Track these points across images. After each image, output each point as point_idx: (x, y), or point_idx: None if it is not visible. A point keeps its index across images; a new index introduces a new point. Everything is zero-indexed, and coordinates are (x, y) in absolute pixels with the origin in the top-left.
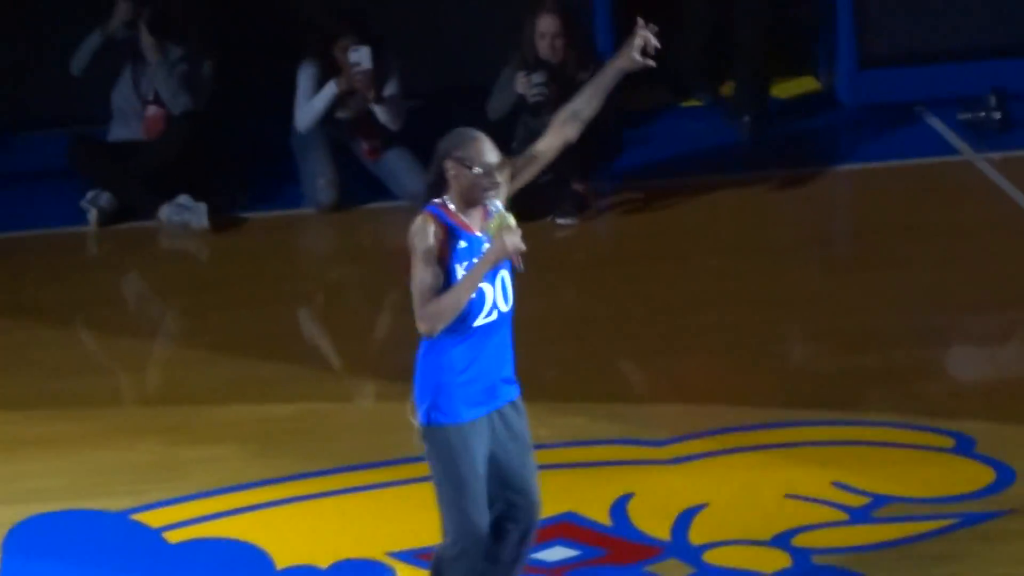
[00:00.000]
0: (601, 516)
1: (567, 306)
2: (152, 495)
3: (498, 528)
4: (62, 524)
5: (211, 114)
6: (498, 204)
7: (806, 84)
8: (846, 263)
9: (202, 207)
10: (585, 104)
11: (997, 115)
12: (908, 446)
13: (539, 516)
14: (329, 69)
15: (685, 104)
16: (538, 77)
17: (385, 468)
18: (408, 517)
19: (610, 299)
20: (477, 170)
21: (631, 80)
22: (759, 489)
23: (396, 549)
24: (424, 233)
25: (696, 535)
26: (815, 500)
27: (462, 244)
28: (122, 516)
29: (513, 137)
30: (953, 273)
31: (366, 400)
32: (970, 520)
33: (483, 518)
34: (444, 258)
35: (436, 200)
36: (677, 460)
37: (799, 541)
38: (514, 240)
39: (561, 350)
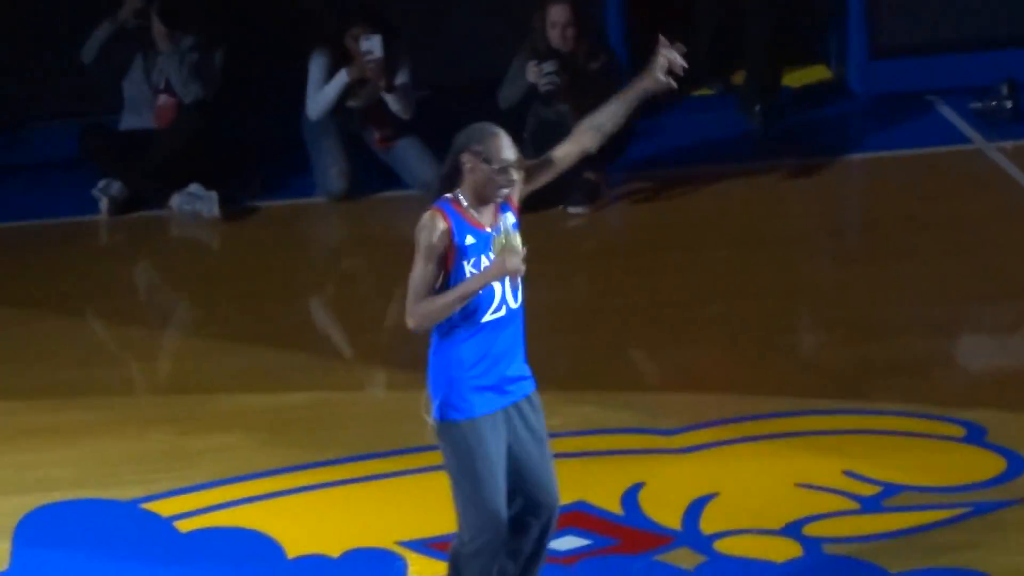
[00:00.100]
0: (612, 505)
1: (578, 295)
2: (162, 484)
3: (517, 523)
4: (72, 514)
5: (222, 103)
6: (508, 220)
7: (817, 73)
8: (857, 253)
9: (213, 196)
10: (608, 118)
11: (1009, 104)
12: (919, 435)
13: (557, 511)
14: (341, 58)
15: (696, 94)
16: (549, 66)
17: (395, 457)
18: (418, 506)
19: (620, 289)
20: (495, 166)
21: (643, 70)
22: (770, 478)
23: (406, 538)
24: (430, 229)
25: (707, 524)
26: (826, 489)
27: (470, 240)
28: (132, 505)
29: (524, 127)
30: (964, 263)
31: (376, 389)
32: (981, 509)
33: (501, 513)
34: (451, 254)
35: (448, 195)
36: (688, 449)
37: (810, 530)
38: (515, 263)
39: (572, 339)
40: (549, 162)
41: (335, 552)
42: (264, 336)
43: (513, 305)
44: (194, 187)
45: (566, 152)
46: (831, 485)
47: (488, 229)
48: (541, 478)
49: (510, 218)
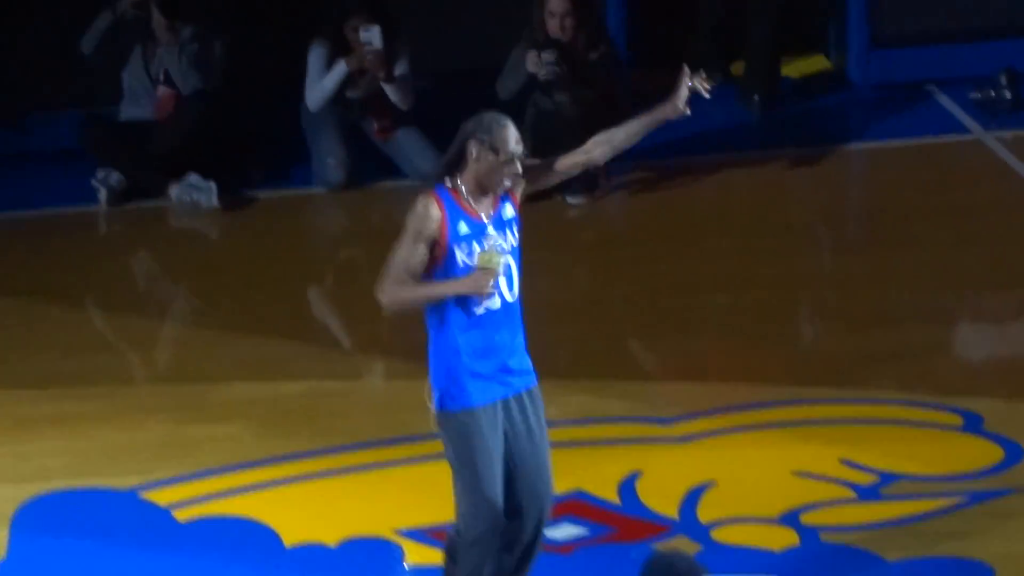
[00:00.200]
0: (610, 494)
1: (576, 285)
2: (161, 473)
3: (512, 514)
4: (71, 502)
5: (222, 94)
6: (507, 213)
7: (817, 63)
8: (856, 242)
9: (212, 186)
10: (623, 137)
11: (1008, 94)
12: (916, 424)
13: (550, 505)
14: (340, 48)
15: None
16: (549, 55)
17: (393, 446)
18: (416, 495)
19: (619, 278)
20: (501, 156)
21: (643, 61)
22: (767, 467)
23: (404, 527)
24: (422, 214)
25: (704, 513)
26: (823, 478)
27: (463, 228)
28: (131, 494)
29: (523, 118)
30: (963, 252)
31: (375, 379)
32: (978, 498)
33: (497, 503)
34: (443, 241)
35: (447, 182)
36: (685, 438)
37: (807, 519)
38: (482, 284)
39: (570, 328)
40: (551, 169)
41: (333, 541)
42: (263, 326)
43: (509, 297)
44: (193, 177)
45: (572, 162)
46: (828, 474)
47: (484, 219)
48: (531, 475)
49: (509, 210)
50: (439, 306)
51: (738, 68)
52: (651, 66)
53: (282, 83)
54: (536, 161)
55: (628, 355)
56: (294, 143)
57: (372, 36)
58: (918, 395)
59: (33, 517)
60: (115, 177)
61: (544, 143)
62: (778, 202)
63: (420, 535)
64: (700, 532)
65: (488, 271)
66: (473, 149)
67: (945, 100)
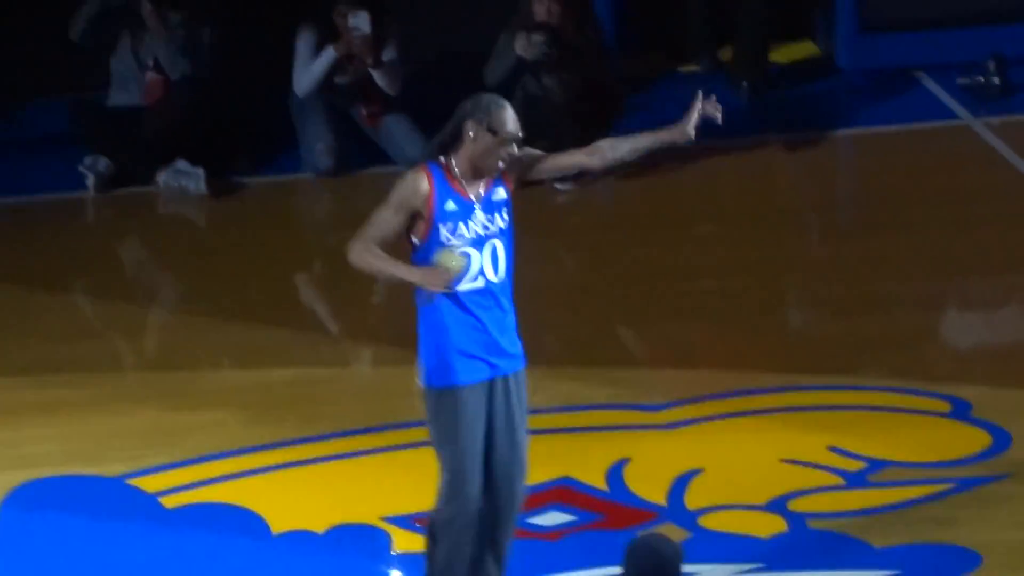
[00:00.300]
0: (597, 481)
1: (564, 271)
2: (149, 460)
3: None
4: (59, 489)
5: (210, 80)
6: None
7: (805, 49)
8: (844, 228)
9: (200, 172)
10: (627, 150)
11: (996, 80)
12: (904, 410)
13: (524, 488)
14: (328, 34)
15: (684, 70)
16: (539, 36)
17: (381, 433)
18: (403, 482)
19: (607, 265)
20: (498, 137)
21: (631, 46)
22: (755, 454)
23: (391, 514)
24: (410, 185)
25: (692, 500)
26: (811, 465)
27: (450, 206)
28: (119, 481)
29: (511, 103)
30: (951, 238)
31: (363, 366)
32: (966, 484)
33: (475, 481)
34: (428, 215)
35: (440, 159)
36: (673, 425)
37: (795, 505)
38: (436, 282)
39: (558, 315)
40: (543, 163)
41: (320, 527)
42: (250, 312)
43: (493, 277)
44: (181, 163)
45: (571, 162)
46: (816, 460)
47: (473, 199)
48: (506, 458)
49: (501, 192)
50: None
51: (727, 54)
52: (640, 51)
53: (270, 69)
54: (537, 152)
55: (616, 341)
56: (282, 129)
57: (360, 22)
58: (906, 381)
59: (21, 504)
60: (103, 163)
61: (532, 127)
62: (767, 188)
63: (407, 522)
64: (688, 519)
65: (442, 270)
66: (470, 129)
67: (933, 86)
